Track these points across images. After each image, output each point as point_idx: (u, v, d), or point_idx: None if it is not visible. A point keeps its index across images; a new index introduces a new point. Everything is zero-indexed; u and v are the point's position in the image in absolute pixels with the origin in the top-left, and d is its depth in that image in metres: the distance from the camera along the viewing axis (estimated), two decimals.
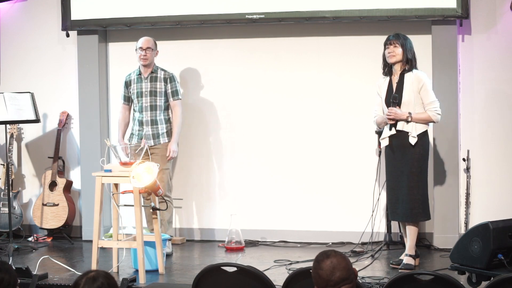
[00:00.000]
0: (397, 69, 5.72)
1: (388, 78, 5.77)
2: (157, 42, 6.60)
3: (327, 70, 6.83)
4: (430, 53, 6.46)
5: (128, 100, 6.67)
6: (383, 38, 5.84)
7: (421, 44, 6.16)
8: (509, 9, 6.43)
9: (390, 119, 5.63)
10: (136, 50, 6.53)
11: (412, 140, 5.59)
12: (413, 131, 5.59)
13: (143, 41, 6.51)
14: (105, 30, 7.16)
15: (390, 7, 6.45)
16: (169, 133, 6.57)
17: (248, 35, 6.95)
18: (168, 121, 6.60)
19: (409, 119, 5.58)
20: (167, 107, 6.60)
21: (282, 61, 6.91)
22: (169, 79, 6.54)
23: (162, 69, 6.59)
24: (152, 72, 6.55)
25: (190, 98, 7.05)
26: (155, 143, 6.52)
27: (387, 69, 5.76)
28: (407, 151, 5.63)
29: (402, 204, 5.66)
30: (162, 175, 6.42)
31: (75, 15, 7.00)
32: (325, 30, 6.80)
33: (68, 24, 7.03)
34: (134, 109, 6.66)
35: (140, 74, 6.58)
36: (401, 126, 5.62)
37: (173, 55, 7.01)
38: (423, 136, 5.65)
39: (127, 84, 6.64)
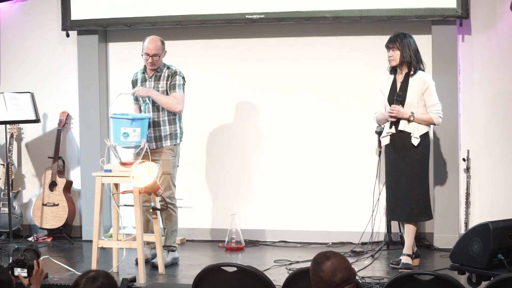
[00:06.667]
0: (402, 69, 5.71)
1: (392, 77, 5.75)
2: None
3: (327, 70, 6.83)
4: (430, 53, 6.45)
5: (137, 99, 6.11)
6: (383, 38, 5.84)
7: (421, 44, 6.13)
8: (509, 9, 6.43)
9: (392, 116, 5.62)
10: (142, 53, 5.96)
11: (415, 141, 5.58)
12: (416, 132, 5.58)
13: (150, 47, 5.90)
14: (105, 30, 7.16)
15: (390, 7, 6.45)
16: (172, 136, 5.98)
17: (248, 35, 6.95)
18: (172, 122, 6.01)
19: (411, 119, 5.57)
20: None
21: (282, 61, 6.90)
22: (171, 75, 5.95)
23: (168, 67, 6.03)
24: (157, 72, 6.00)
25: (189, 98, 7.04)
26: (157, 146, 5.95)
27: (392, 68, 5.75)
28: (408, 151, 5.63)
29: (403, 204, 5.65)
30: (163, 181, 5.90)
31: (75, 15, 7.00)
32: (325, 30, 6.80)
33: (68, 24, 7.03)
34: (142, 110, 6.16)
35: (144, 72, 6.05)
36: (402, 126, 5.61)
37: (173, 55, 6.99)
38: (425, 137, 5.66)
39: (134, 84, 6.12)
